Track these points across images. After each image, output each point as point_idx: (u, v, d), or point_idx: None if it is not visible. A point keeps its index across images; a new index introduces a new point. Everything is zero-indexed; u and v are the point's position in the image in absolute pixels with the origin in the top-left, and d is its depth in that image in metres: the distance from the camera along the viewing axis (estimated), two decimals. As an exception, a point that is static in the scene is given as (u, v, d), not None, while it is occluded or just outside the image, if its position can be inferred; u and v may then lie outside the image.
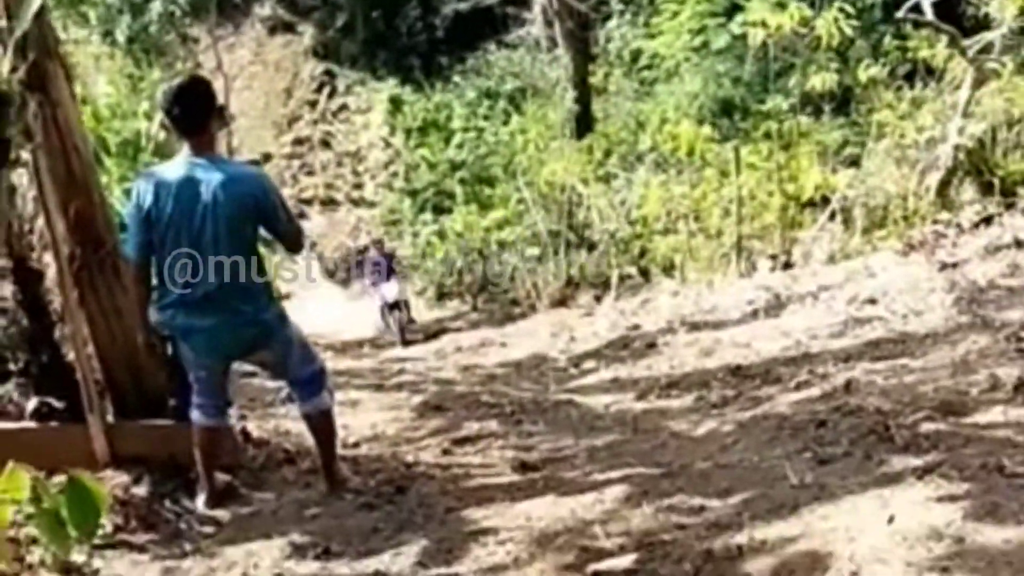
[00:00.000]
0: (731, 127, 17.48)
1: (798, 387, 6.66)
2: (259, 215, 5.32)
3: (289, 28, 31.72)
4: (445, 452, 6.58)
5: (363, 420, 7.60)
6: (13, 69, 5.28)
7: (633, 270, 15.97)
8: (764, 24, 12.88)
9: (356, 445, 6.86)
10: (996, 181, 11.29)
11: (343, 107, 30.03)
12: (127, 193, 7.67)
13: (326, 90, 30.30)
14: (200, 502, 5.62)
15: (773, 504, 4.55)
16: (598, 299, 15.33)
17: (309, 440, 6.04)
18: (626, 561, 4.24)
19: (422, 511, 5.35)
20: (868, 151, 13.83)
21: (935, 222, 10.85)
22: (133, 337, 5.69)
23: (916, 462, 4.69)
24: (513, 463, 6.06)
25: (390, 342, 15.78)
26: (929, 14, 12.39)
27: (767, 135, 14.95)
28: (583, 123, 20.63)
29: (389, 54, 29.39)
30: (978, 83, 11.92)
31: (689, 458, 5.63)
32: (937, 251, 9.59)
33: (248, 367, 7.15)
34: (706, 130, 14.95)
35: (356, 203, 28.25)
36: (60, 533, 3.04)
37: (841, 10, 12.77)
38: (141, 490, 5.60)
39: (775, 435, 5.70)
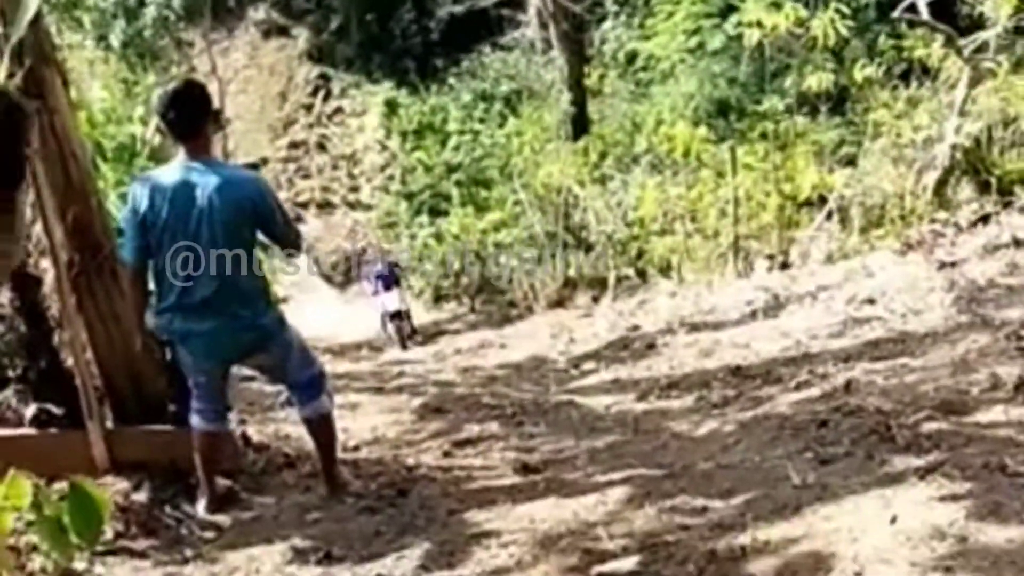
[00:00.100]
0: (727, 128, 17.47)
1: (798, 387, 6.65)
2: (256, 219, 5.31)
3: (283, 32, 31.68)
4: (446, 454, 6.57)
5: (363, 423, 7.59)
6: (10, 75, 5.26)
7: (630, 271, 15.96)
8: (760, 24, 12.87)
9: (356, 448, 6.86)
10: (993, 180, 11.29)
11: (338, 110, 29.99)
12: (123, 198, 7.65)
13: (321, 93, 30.27)
14: (201, 507, 5.61)
15: (776, 504, 4.54)
16: (595, 300, 15.33)
17: (309, 444, 6.04)
18: (630, 563, 4.23)
19: (424, 514, 5.35)
20: (864, 151, 13.83)
21: (933, 221, 10.84)
22: (132, 343, 5.68)
23: (918, 462, 4.68)
24: (514, 465, 6.06)
25: (388, 344, 15.79)
26: (925, 14, 12.39)
27: (763, 135, 14.95)
28: (579, 125, 20.61)
29: (384, 57, 29.36)
30: (974, 82, 11.92)
31: (691, 459, 5.63)
32: (935, 250, 9.58)
33: (247, 371, 7.14)
34: (702, 131, 14.94)
35: (352, 206, 28.21)
36: (62, 540, 3.01)
37: (837, 10, 12.76)
38: (141, 496, 5.59)
39: (776, 435, 5.69)
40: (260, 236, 5.44)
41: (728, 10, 18.86)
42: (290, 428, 6.92)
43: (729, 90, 19.07)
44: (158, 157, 10.34)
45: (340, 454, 6.16)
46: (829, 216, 12.99)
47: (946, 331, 7.24)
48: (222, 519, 5.55)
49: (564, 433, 6.79)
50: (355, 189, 28.56)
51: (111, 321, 5.78)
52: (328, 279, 24.54)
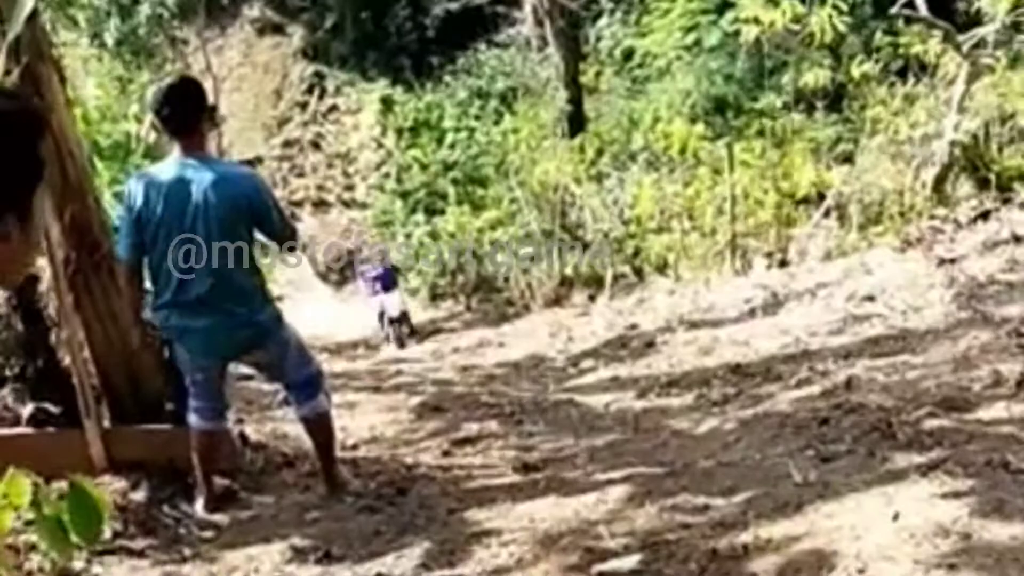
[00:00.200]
0: (724, 125, 17.45)
1: (799, 385, 6.63)
2: (252, 215, 5.30)
3: (278, 29, 31.61)
4: (445, 453, 6.56)
5: (361, 422, 7.57)
6: (6, 72, 5.25)
7: (627, 269, 15.95)
8: (757, 21, 12.84)
9: (355, 447, 6.84)
10: (992, 176, 11.28)
11: (333, 108, 29.93)
12: (117, 197, 7.64)
13: (316, 91, 30.19)
14: (199, 506, 5.60)
15: (777, 502, 4.53)
16: (592, 298, 15.31)
17: (307, 443, 6.03)
18: (631, 561, 4.22)
19: (423, 513, 5.34)
20: (862, 148, 13.80)
21: (932, 218, 10.82)
22: (130, 341, 5.67)
23: (920, 459, 4.67)
24: (514, 463, 6.05)
25: (385, 343, 15.78)
26: (923, 9, 12.37)
27: (760, 132, 14.93)
28: (575, 122, 20.58)
29: (379, 55, 29.30)
30: (972, 78, 11.91)
31: (691, 457, 5.62)
32: (935, 247, 9.56)
33: (244, 370, 7.13)
34: (699, 128, 14.93)
35: (347, 204, 28.16)
36: (62, 540, 3.00)
37: (834, 6, 12.74)
38: (139, 495, 5.58)
39: (777, 433, 5.68)
40: (256, 233, 5.43)
41: (724, 6, 18.83)
42: (288, 427, 6.90)
43: (726, 87, 19.06)
44: (153, 155, 10.33)
45: (338, 453, 6.15)
46: (827, 213, 12.97)
47: (947, 328, 7.23)
48: (220, 518, 5.54)
49: (563, 431, 6.78)
50: (350, 187, 28.51)
51: (109, 320, 5.76)
52: (323, 277, 24.51)
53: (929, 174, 11.74)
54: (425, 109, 26.95)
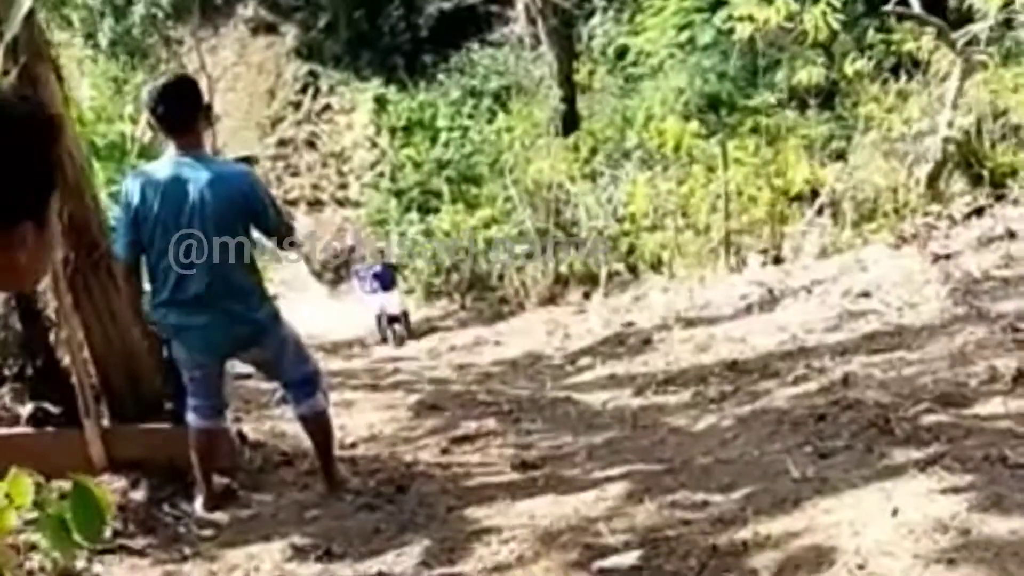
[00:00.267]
0: (718, 122, 17.48)
1: (795, 381, 6.64)
2: (248, 213, 5.30)
3: (272, 29, 31.60)
4: (444, 451, 6.55)
5: (359, 420, 7.56)
6: (4, 73, 5.25)
7: (621, 267, 15.97)
8: (751, 18, 12.87)
9: (353, 446, 6.84)
10: (985, 173, 11.30)
11: (327, 107, 29.93)
12: (113, 197, 7.63)
13: (310, 91, 30.19)
14: (198, 505, 5.60)
15: (776, 499, 4.53)
16: (587, 296, 15.34)
17: (306, 441, 6.03)
18: (631, 558, 4.22)
19: (423, 511, 5.33)
20: (855, 145, 13.84)
21: (926, 214, 10.84)
22: (129, 341, 5.68)
23: (918, 454, 4.68)
24: (513, 461, 6.04)
25: (381, 343, 15.80)
26: (916, 6, 12.40)
27: (753, 130, 14.96)
28: (569, 121, 20.60)
29: (373, 54, 29.30)
30: (966, 75, 11.93)
31: (689, 454, 5.62)
32: (929, 243, 9.56)
33: (242, 369, 7.12)
34: (692, 126, 14.96)
35: (342, 203, 28.16)
36: (65, 539, 3.00)
37: (828, 4, 12.76)
38: (139, 494, 5.59)
39: (775, 430, 5.69)
40: (254, 231, 5.43)
41: (717, 4, 18.87)
42: (286, 425, 6.90)
43: (719, 85, 19.10)
44: (148, 155, 10.32)
45: (337, 451, 6.14)
46: (820, 211, 13.00)
47: (942, 324, 7.23)
48: (220, 517, 5.54)
49: (562, 429, 6.78)
50: (344, 186, 28.51)
51: (108, 319, 5.76)
52: (318, 276, 24.51)
53: (923, 171, 11.77)
54: (419, 108, 26.97)
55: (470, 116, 25.70)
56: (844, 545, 3.88)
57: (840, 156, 14.42)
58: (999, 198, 10.64)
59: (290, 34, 31.15)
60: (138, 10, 25.74)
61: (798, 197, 13.53)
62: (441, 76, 27.53)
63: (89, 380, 5.69)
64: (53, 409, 5.73)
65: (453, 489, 5.70)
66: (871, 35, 15.51)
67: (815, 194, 13.20)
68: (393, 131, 27.01)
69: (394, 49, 29.14)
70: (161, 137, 5.63)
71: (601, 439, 6.35)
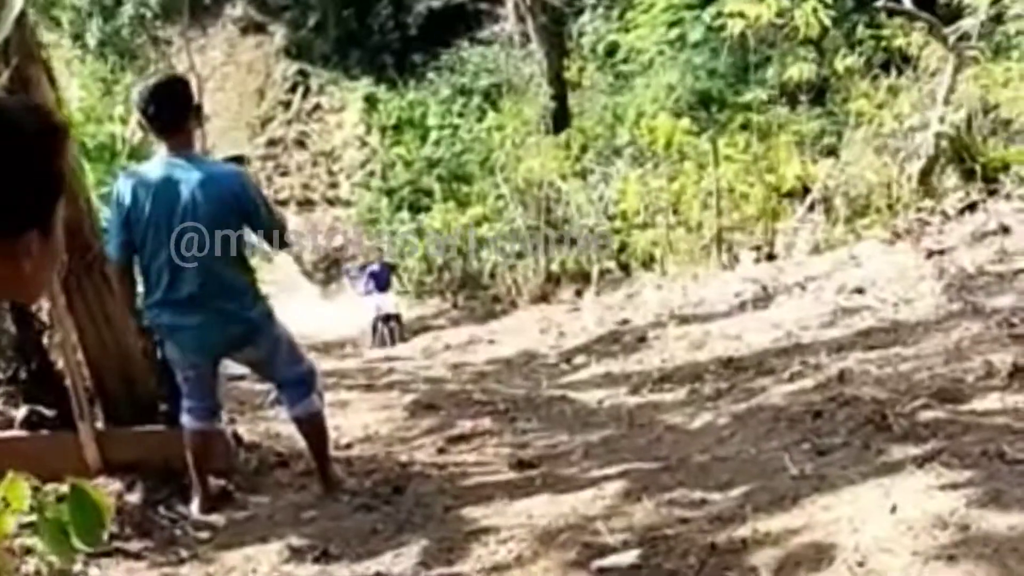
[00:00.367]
0: (708, 119, 17.50)
1: (791, 378, 6.62)
2: (240, 213, 5.28)
3: (261, 28, 31.58)
4: (440, 451, 6.54)
5: (354, 421, 7.54)
6: (-4, 74, 5.23)
7: (613, 264, 15.97)
8: (742, 15, 12.87)
9: (349, 446, 6.81)
10: (978, 168, 11.30)
11: (317, 107, 29.93)
12: (103, 199, 7.61)
13: (299, 90, 30.19)
14: (194, 507, 5.58)
15: (774, 496, 4.52)
16: (579, 294, 15.32)
17: (301, 442, 6.00)
18: (630, 556, 4.21)
19: (420, 511, 5.32)
20: (846, 141, 13.85)
21: (919, 210, 10.85)
22: (123, 343, 5.66)
23: (915, 451, 4.67)
24: (510, 460, 6.03)
25: (374, 344, 15.81)
26: (907, 2, 12.41)
27: (744, 127, 14.96)
28: (559, 118, 20.62)
29: (362, 53, 29.30)
30: (957, 70, 11.94)
31: (686, 452, 5.61)
32: (923, 239, 9.57)
33: (236, 370, 7.09)
34: (683, 123, 14.94)
35: (332, 203, 28.18)
36: (64, 543, 2.99)
37: (819, 0, 12.77)
38: (134, 497, 5.57)
39: (772, 427, 5.68)
40: (246, 230, 5.41)
41: (707, 1, 18.87)
42: (281, 426, 6.87)
43: (710, 82, 19.14)
44: (138, 156, 10.29)
45: (333, 452, 6.11)
46: (812, 207, 12.99)
47: (938, 319, 7.23)
48: (216, 519, 5.52)
49: (558, 428, 6.76)
50: (335, 186, 28.52)
51: (102, 321, 5.73)
52: (309, 276, 24.50)
53: (915, 166, 11.78)
54: (409, 107, 26.99)
55: (460, 114, 25.74)
56: (843, 542, 3.87)
57: (831, 152, 14.43)
58: (992, 193, 10.64)
59: (279, 33, 31.13)
60: (126, 10, 25.71)
61: (789, 193, 13.52)
62: (431, 74, 27.55)
63: (83, 383, 5.67)
64: (47, 412, 5.70)
65: (450, 489, 5.68)
66: (861, 31, 15.53)
67: (806, 190, 13.19)
68: (383, 130, 27.03)
69: (384, 48, 29.14)
70: (151, 138, 5.59)
71: (597, 437, 6.34)
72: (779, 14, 12.74)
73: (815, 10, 12.66)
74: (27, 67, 5.44)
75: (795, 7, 12.82)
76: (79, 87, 14.40)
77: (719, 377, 7.21)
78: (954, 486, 4.15)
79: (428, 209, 21.90)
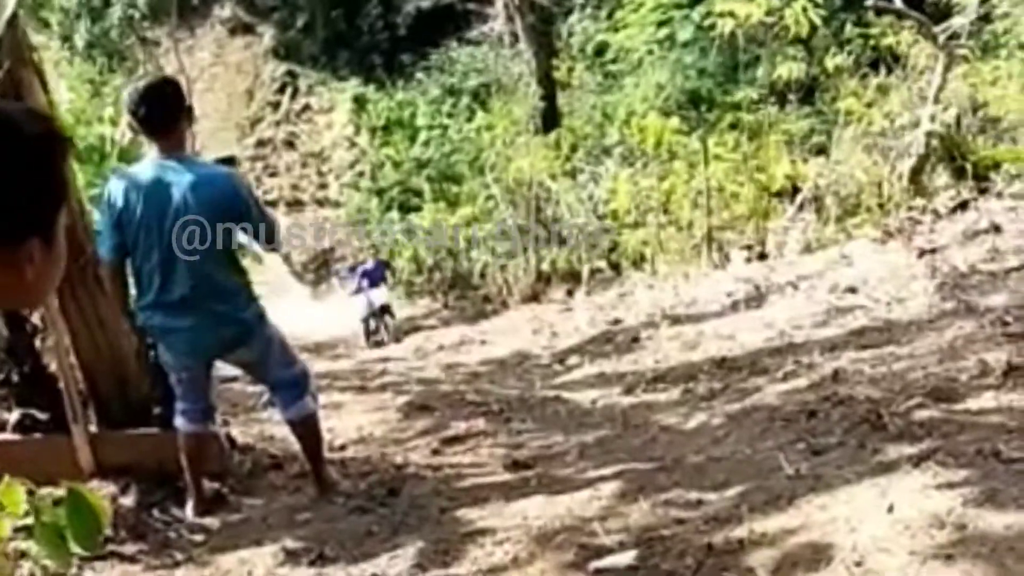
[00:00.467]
0: (698, 118, 17.50)
1: (785, 378, 6.62)
2: (232, 214, 5.26)
3: (249, 29, 31.53)
4: (435, 452, 6.53)
5: (348, 422, 7.53)
6: (-13, 76, 5.20)
7: (603, 264, 15.96)
8: (731, 14, 12.87)
9: (343, 448, 6.81)
10: (968, 166, 11.32)
11: (306, 107, 29.90)
12: (92, 200, 7.58)
13: (288, 91, 30.16)
14: (189, 510, 5.57)
15: (770, 496, 4.52)
16: (570, 293, 15.31)
17: (295, 444, 5.99)
18: (627, 557, 4.20)
19: (416, 513, 5.31)
20: (835, 140, 13.85)
21: (910, 209, 10.86)
22: (116, 345, 5.64)
23: (911, 450, 4.66)
24: (504, 461, 6.02)
25: (367, 345, 15.81)
26: (897, 0, 12.43)
27: (734, 126, 14.97)
28: (549, 118, 20.61)
29: (351, 53, 29.28)
30: (947, 69, 11.96)
31: (681, 452, 5.60)
32: (915, 238, 9.58)
33: (228, 372, 7.07)
34: (673, 122, 14.93)
35: (321, 203, 28.16)
36: (61, 547, 2.97)
37: (809, -1, 12.80)
38: (128, 500, 5.56)
39: (766, 427, 5.68)
40: (239, 232, 5.40)
41: (696, 1, 18.89)
42: (274, 429, 6.87)
43: (699, 81, 19.15)
44: (128, 158, 10.25)
45: (327, 454, 6.11)
46: (802, 206, 13.00)
47: (931, 318, 7.23)
48: (211, 522, 5.51)
49: (552, 428, 6.76)
50: (324, 186, 28.50)
51: (94, 324, 5.71)
52: (299, 277, 24.48)
53: (905, 165, 11.78)
54: (398, 107, 26.98)
55: (450, 114, 25.73)
56: (840, 542, 3.86)
57: (821, 151, 14.44)
58: (983, 191, 10.66)
59: (268, 34, 31.08)
60: (115, 12, 25.66)
61: (780, 193, 13.52)
62: (420, 75, 27.54)
63: (76, 385, 5.65)
64: (40, 415, 5.69)
65: (445, 490, 5.67)
66: (850, 30, 15.56)
67: (796, 189, 13.20)
68: (372, 130, 27.01)
69: (372, 48, 29.12)
70: (142, 139, 5.57)
71: (592, 438, 6.34)
72: (768, 13, 12.75)
73: (804, 9, 12.67)
74: (19, 70, 5.42)
75: (784, 6, 12.84)
76: (67, 89, 14.36)
77: (713, 377, 7.20)
78: (950, 485, 4.14)
79: (418, 209, 21.90)
